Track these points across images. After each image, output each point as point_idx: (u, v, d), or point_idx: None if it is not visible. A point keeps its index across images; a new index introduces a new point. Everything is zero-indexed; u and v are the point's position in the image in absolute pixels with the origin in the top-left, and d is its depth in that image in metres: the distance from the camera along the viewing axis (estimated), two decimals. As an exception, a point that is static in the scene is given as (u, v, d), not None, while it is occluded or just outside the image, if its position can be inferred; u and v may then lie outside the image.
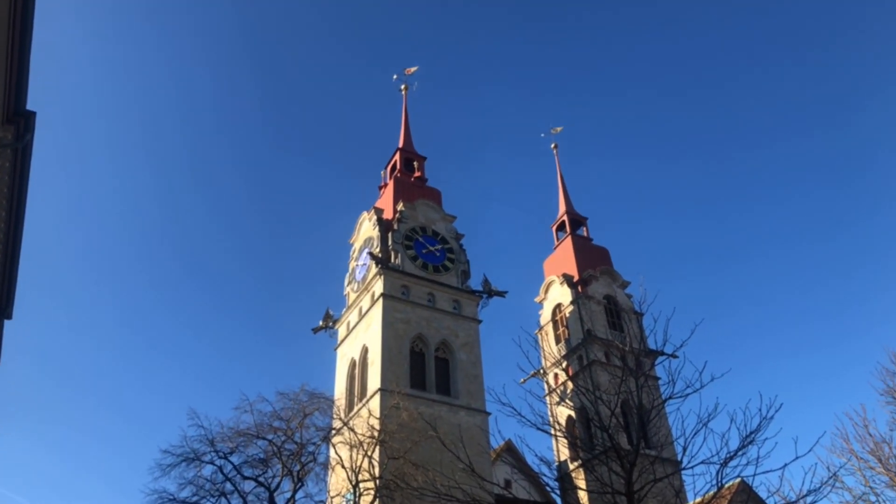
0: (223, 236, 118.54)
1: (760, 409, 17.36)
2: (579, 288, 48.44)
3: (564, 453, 41.49)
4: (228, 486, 25.52)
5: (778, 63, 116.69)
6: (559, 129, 60.30)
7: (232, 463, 25.84)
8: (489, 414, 35.35)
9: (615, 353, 43.20)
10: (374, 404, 34.15)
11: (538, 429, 18.94)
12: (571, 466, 41.28)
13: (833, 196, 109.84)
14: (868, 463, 19.52)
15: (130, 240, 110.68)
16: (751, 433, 17.33)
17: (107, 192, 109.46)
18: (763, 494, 20.26)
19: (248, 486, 25.95)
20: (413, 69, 54.86)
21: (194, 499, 25.35)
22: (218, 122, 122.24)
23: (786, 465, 17.19)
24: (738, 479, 21.11)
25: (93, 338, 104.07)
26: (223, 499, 25.21)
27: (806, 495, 17.33)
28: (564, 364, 45.69)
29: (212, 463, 25.69)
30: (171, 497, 25.24)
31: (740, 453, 17.40)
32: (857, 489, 19.38)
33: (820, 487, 17.31)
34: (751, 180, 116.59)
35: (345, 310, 42.92)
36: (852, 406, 35.96)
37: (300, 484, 26.25)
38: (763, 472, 17.86)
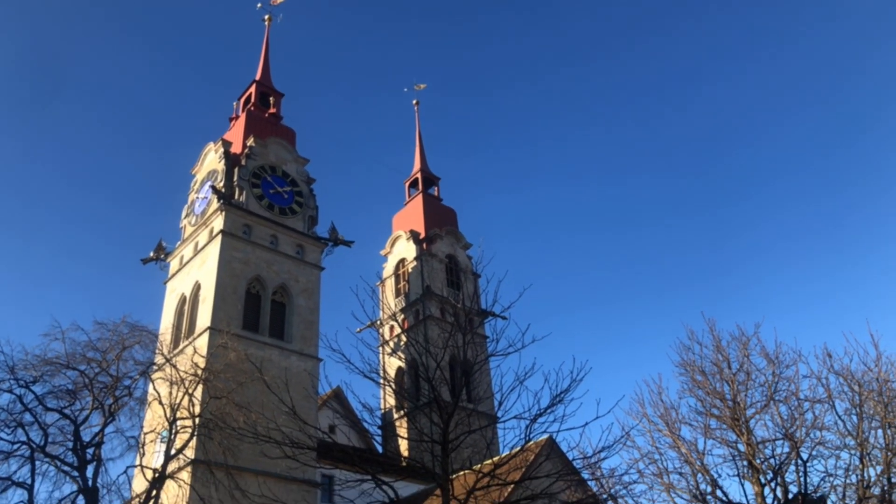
0: (54, 146, 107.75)
1: (572, 372, 18.60)
2: (424, 245, 49.39)
3: (391, 403, 42.60)
4: (28, 416, 23.54)
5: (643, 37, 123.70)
6: (423, 86, 60.48)
7: (34, 392, 23.73)
8: (321, 360, 35.42)
9: (450, 310, 44.75)
10: (202, 343, 33.02)
11: (365, 376, 19.16)
12: (396, 416, 42.55)
13: (671, 184, 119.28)
14: (657, 426, 21.60)
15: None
16: (560, 393, 18.53)
17: None
18: (564, 449, 21.99)
19: (52, 417, 24.10)
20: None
21: (-15, 429, 23.18)
22: (59, 24, 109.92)
23: (587, 423, 18.60)
24: (547, 436, 22.68)
25: None
26: (20, 430, 23.21)
27: (601, 451, 18.90)
28: (401, 318, 46.62)
29: (10, 391, 23.50)
30: (-43, 427, 22.91)
31: (549, 411, 18.63)
32: (645, 448, 21.45)
33: (613, 444, 18.93)
34: (600, 155, 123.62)
35: (179, 243, 40.78)
36: (651, 375, 39.77)
37: (111, 418, 24.74)
38: (567, 429, 19.28)
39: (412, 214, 52.74)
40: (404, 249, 50.16)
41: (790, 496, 19.65)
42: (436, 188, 55.77)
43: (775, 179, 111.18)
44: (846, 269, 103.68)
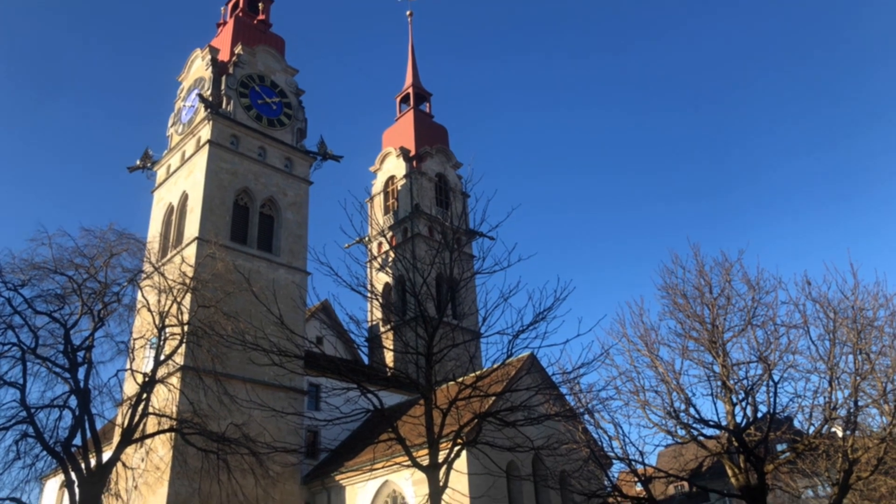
0: (39, 54, 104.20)
1: (556, 291, 18.92)
2: (414, 163, 49.02)
3: (378, 316, 43.33)
4: (17, 319, 23.69)
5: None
6: (417, -5, 58.41)
7: (22, 296, 23.75)
8: (309, 274, 35.76)
9: (438, 228, 44.93)
10: (190, 252, 33.14)
11: (353, 289, 19.45)
12: (382, 329, 43.35)
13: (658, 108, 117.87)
14: (636, 346, 22.10)
15: None
16: (543, 311, 18.89)
17: None
18: (544, 364, 22.64)
19: (41, 321, 24.26)
20: None
21: (-25, 331, 23.34)
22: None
23: (567, 340, 19.19)
24: (529, 352, 23.27)
25: None
26: (10, 332, 23.41)
27: (580, 367, 19.48)
28: (390, 235, 46.77)
29: (-2, 294, 23.61)
30: (-54, 330, 23.02)
31: (532, 328, 19.03)
32: (624, 366, 22.02)
33: (592, 362, 19.50)
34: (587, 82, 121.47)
35: (166, 152, 40.24)
36: (633, 297, 40.47)
37: (101, 323, 24.98)
38: (548, 346, 19.78)
39: (403, 131, 52.03)
40: (394, 166, 49.79)
41: (759, 415, 20.45)
42: (427, 104, 54.82)
43: (767, 97, 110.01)
44: (833, 199, 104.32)
